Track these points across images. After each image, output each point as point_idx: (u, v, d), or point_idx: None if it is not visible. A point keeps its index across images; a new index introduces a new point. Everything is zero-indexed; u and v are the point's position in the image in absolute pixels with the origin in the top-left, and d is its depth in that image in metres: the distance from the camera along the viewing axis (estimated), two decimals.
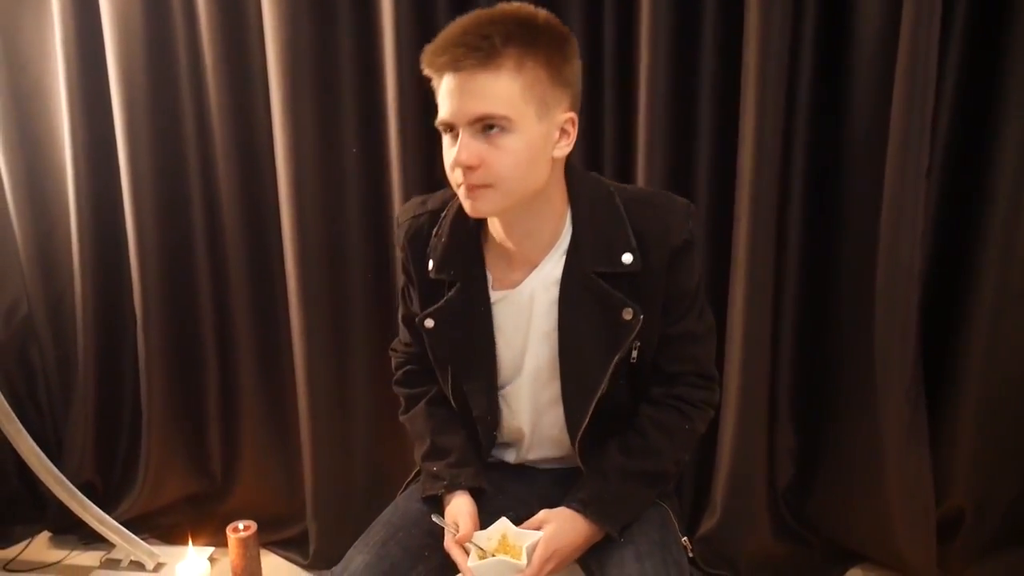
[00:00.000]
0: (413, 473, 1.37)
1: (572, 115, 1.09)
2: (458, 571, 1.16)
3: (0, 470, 2.20)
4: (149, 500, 2.18)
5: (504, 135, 1.02)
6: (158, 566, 2.08)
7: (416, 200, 1.28)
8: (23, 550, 2.17)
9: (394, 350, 1.41)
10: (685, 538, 1.26)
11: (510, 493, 1.31)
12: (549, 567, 1.13)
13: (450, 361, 1.25)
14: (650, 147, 1.70)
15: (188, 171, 2.00)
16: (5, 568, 2.10)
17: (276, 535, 2.13)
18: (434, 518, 1.20)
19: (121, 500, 2.19)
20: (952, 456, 1.82)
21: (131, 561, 2.08)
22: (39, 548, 2.19)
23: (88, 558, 2.14)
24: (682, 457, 1.24)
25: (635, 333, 1.14)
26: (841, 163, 1.75)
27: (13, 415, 1.97)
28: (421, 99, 1.74)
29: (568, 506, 1.18)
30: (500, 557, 1.12)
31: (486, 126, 1.02)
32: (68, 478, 2.01)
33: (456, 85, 1.01)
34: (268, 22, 1.76)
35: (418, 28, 1.72)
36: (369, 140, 1.86)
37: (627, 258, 1.12)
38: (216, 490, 2.20)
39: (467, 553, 1.15)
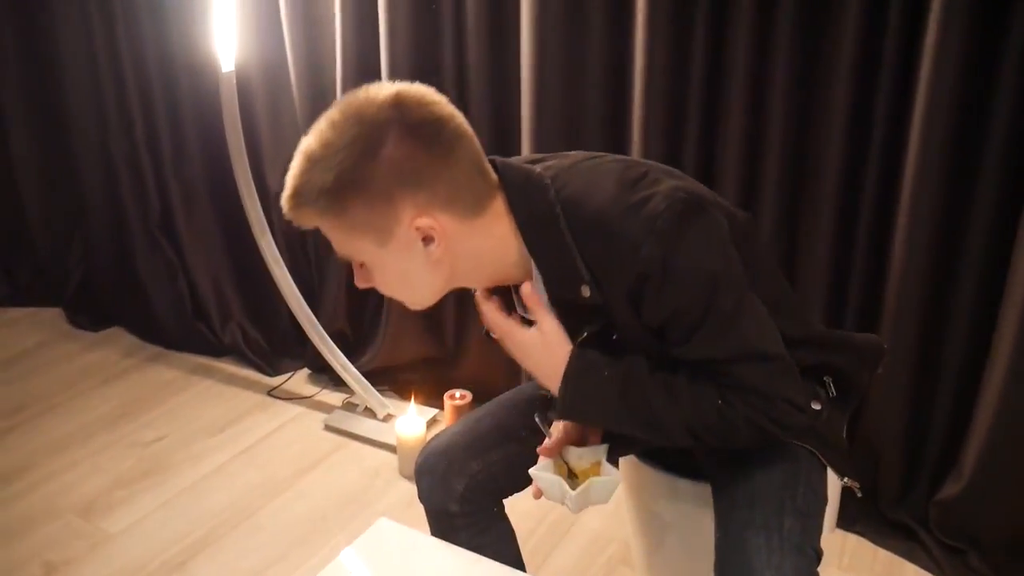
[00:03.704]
0: None
1: (419, 222, 0.93)
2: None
3: (275, 309, 2.48)
4: (388, 356, 2.33)
5: (368, 268, 1.00)
6: (387, 417, 2.24)
7: None
8: (285, 381, 2.46)
9: None
10: (846, 480, 1.11)
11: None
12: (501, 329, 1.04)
13: None
14: None
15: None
16: (269, 393, 2.40)
17: None
18: (536, 417, 1.14)
19: (365, 351, 2.37)
20: None
21: (365, 408, 2.26)
22: (298, 382, 2.47)
23: (334, 398, 2.37)
24: (696, 429, 0.97)
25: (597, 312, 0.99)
26: None
27: (281, 260, 2.19)
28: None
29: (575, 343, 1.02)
30: (559, 479, 1.05)
31: None
32: (323, 324, 2.21)
33: None
34: None
35: None
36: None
37: (585, 291, 0.97)
38: (446, 357, 2.31)
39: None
